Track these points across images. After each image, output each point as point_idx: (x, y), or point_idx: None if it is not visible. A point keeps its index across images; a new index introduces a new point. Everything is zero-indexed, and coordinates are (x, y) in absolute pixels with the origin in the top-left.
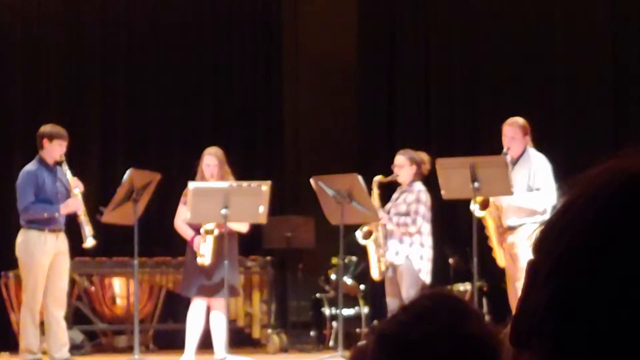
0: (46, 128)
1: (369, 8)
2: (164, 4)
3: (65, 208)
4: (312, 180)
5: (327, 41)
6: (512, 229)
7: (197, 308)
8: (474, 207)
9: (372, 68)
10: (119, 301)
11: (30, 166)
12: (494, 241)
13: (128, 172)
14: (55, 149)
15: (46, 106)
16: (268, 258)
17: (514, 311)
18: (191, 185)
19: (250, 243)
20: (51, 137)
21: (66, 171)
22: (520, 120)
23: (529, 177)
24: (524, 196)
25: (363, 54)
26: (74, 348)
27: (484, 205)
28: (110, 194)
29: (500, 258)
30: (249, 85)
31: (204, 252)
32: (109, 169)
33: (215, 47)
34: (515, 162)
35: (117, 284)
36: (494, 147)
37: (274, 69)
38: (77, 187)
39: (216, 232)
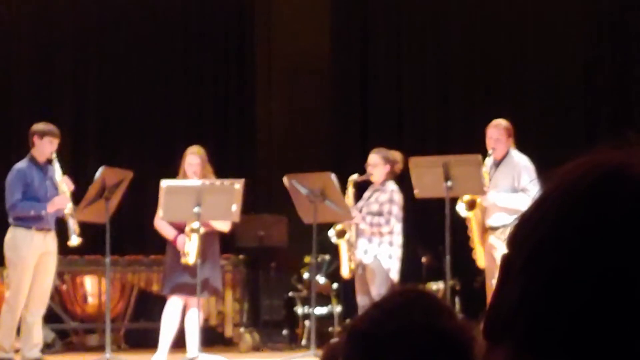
0: (38, 126)
1: (342, 8)
2: (137, 3)
3: (52, 206)
4: (285, 179)
5: (300, 41)
6: (493, 229)
7: (173, 306)
8: (460, 207)
9: (345, 67)
10: (90, 300)
11: (21, 164)
12: (475, 240)
13: (100, 170)
14: (45, 147)
15: (17, 104)
16: (241, 257)
17: None
18: (163, 183)
19: (223, 241)
20: (42, 134)
21: (56, 169)
22: (504, 122)
23: (514, 178)
24: (510, 197)
25: (336, 53)
26: (45, 347)
27: (471, 205)
28: (82, 192)
29: (481, 258)
30: (222, 85)
31: (189, 250)
32: (80, 167)
33: (188, 46)
34: (498, 163)
35: (89, 283)
36: (466, 146)
37: (247, 68)
38: (65, 185)
39: (202, 230)
